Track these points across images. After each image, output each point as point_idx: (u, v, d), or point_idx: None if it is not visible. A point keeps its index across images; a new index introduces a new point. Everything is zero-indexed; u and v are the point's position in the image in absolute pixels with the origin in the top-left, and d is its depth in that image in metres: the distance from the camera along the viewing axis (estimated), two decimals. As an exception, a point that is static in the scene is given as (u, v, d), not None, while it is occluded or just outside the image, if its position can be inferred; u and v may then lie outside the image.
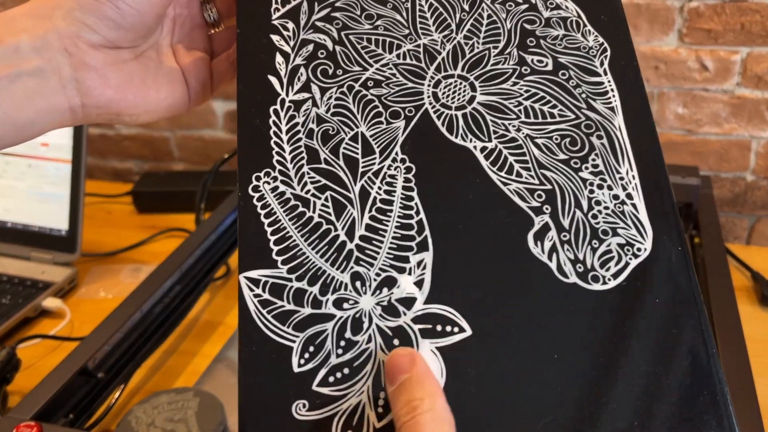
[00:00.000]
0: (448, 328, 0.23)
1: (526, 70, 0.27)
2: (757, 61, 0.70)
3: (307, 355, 0.23)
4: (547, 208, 0.25)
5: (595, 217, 0.25)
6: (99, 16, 0.26)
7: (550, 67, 0.27)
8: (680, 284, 0.23)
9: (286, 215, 0.25)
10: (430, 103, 0.27)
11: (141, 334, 0.57)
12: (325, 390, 0.23)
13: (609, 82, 0.27)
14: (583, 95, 0.27)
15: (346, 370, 0.23)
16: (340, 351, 0.23)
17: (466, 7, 0.29)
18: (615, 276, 0.24)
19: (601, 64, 0.27)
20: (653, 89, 0.74)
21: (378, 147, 0.26)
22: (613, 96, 0.27)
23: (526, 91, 0.27)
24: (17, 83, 0.25)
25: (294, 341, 0.23)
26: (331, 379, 0.23)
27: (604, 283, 0.24)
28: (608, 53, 0.27)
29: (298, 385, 0.23)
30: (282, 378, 0.23)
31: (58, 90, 0.26)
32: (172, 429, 0.49)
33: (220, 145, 0.93)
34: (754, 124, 0.73)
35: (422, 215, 0.25)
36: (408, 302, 0.24)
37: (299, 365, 0.23)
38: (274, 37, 0.29)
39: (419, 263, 0.24)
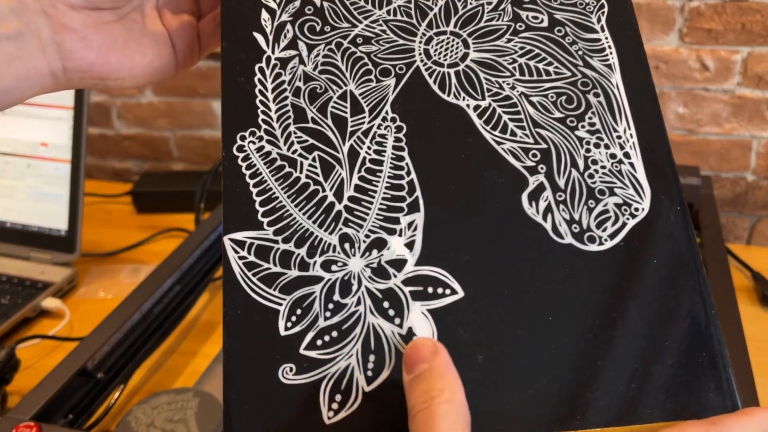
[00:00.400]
0: (440, 290, 0.23)
1: (520, 26, 0.26)
2: (757, 60, 0.70)
3: (294, 318, 0.23)
4: (542, 168, 0.24)
5: (591, 176, 0.24)
6: None
7: (545, 24, 0.26)
8: (679, 245, 0.23)
9: (272, 176, 0.25)
10: (422, 60, 0.26)
11: (140, 334, 0.57)
12: (312, 353, 0.22)
13: (606, 38, 0.26)
14: (580, 52, 0.26)
15: (334, 333, 0.23)
16: (328, 314, 0.23)
17: None
18: (612, 236, 0.23)
19: (599, 20, 0.26)
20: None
21: (367, 105, 0.26)
22: (611, 53, 0.26)
23: (521, 48, 0.26)
24: None
25: (281, 304, 0.23)
26: (319, 342, 0.22)
27: (601, 243, 0.23)
28: (605, 9, 0.27)
29: (284, 349, 0.22)
30: (268, 341, 0.22)
31: (38, 54, 0.25)
32: (171, 429, 0.49)
33: (219, 145, 0.92)
34: (755, 123, 0.73)
35: (413, 176, 0.24)
36: (398, 264, 0.23)
37: (286, 328, 0.23)
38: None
39: (410, 224, 0.24)
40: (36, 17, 0.25)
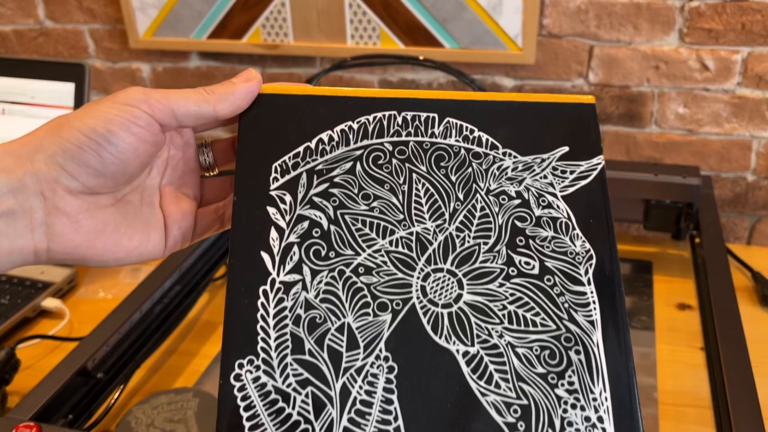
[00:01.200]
0: None
1: (513, 271, 0.27)
2: (758, 60, 0.70)
3: None
4: (521, 425, 0.25)
5: None
6: (80, 163, 0.25)
7: (536, 271, 0.27)
8: None
9: (265, 410, 0.25)
10: (418, 298, 0.27)
11: (140, 334, 0.57)
12: None
13: (592, 293, 0.27)
14: (566, 305, 0.27)
15: None
16: None
17: (461, 196, 0.29)
18: None
19: (586, 272, 0.27)
20: (654, 89, 0.74)
21: (363, 341, 0.26)
22: (594, 309, 0.26)
23: (512, 295, 0.27)
24: None
25: None
26: None
27: None
28: (593, 261, 0.27)
29: None
30: None
31: (26, 233, 0.25)
32: (171, 429, 0.49)
33: (219, 145, 0.93)
34: (755, 123, 0.73)
35: (400, 422, 0.25)
36: None
37: None
38: (271, 210, 0.28)
39: None
40: (32, 198, 0.25)
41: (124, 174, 0.27)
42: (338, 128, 0.29)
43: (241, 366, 0.26)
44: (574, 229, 0.28)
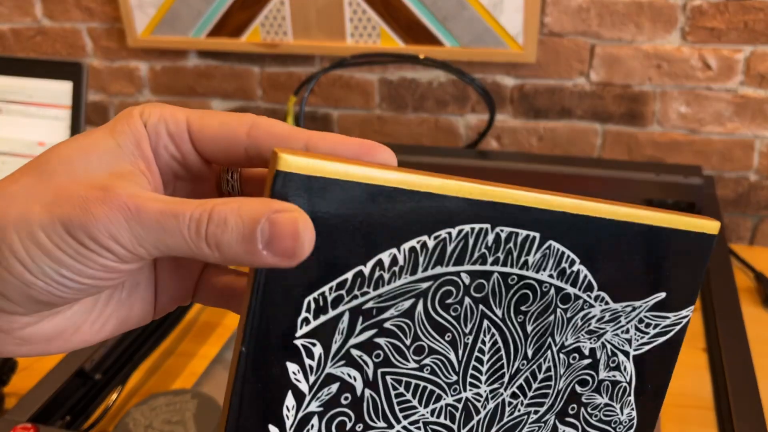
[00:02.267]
0: None
1: None
2: (760, 59, 0.70)
3: None
4: None
5: None
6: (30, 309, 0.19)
7: None
8: None
9: None
10: None
11: (138, 335, 0.57)
12: None
13: None
14: None
15: None
16: None
17: (530, 353, 0.23)
18: None
19: None
20: (656, 88, 0.74)
21: None
22: None
23: None
24: None
25: None
26: None
27: None
28: (633, 429, 0.25)
29: None
30: None
31: None
32: (170, 431, 0.48)
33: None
34: (758, 123, 0.72)
35: None
36: None
37: None
38: (292, 367, 0.20)
39: None
40: None
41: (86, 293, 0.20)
42: (407, 245, 0.20)
43: None
44: (629, 396, 0.25)
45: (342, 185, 0.18)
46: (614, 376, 0.24)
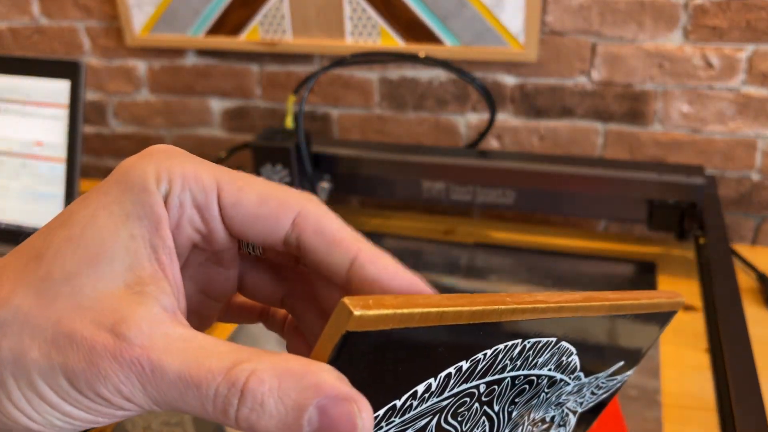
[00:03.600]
0: None
1: None
2: (763, 58, 0.69)
3: None
4: None
5: None
6: None
7: None
8: None
9: None
10: None
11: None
12: None
13: None
14: None
15: None
16: None
17: (507, 431, 0.23)
18: None
19: None
20: (657, 87, 0.74)
21: None
22: None
23: None
24: None
25: None
26: None
27: None
28: None
29: None
30: None
31: None
32: (168, 433, 0.48)
33: (215, 144, 0.92)
34: (761, 122, 0.72)
35: None
36: None
37: None
38: None
39: None
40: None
41: None
42: (444, 372, 0.18)
43: None
44: None
45: (404, 332, 0.16)
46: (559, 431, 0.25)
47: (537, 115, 0.78)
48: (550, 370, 0.22)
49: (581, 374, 0.23)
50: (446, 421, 0.20)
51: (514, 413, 0.22)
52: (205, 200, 0.17)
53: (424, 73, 0.79)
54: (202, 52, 0.86)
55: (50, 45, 0.91)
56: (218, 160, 0.75)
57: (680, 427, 0.50)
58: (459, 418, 0.20)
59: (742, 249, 0.71)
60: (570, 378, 0.23)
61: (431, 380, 0.18)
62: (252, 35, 0.81)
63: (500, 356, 0.19)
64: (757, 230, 0.78)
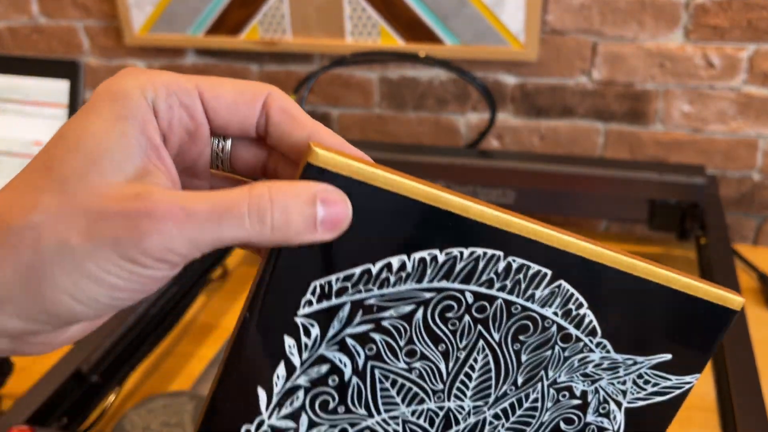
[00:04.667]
0: None
1: None
2: (764, 58, 0.69)
3: None
4: None
5: None
6: (57, 323, 0.18)
7: None
8: None
9: None
10: None
11: (136, 336, 0.56)
12: None
13: None
14: None
15: None
16: None
17: (520, 381, 0.23)
18: None
19: None
20: (658, 87, 0.73)
21: None
22: None
23: None
24: None
25: None
26: None
27: None
28: None
29: None
30: None
31: None
32: (167, 434, 0.48)
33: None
34: (762, 122, 0.72)
35: None
36: None
37: None
38: (288, 341, 0.21)
39: None
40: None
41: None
42: (418, 255, 0.21)
43: None
44: None
45: (367, 188, 0.19)
46: (602, 422, 0.24)
47: (537, 114, 0.78)
48: (556, 314, 0.22)
49: (608, 344, 0.23)
50: (434, 322, 0.22)
51: (524, 358, 0.23)
52: (190, 99, 0.19)
53: (425, 73, 0.79)
54: (202, 52, 0.86)
55: (49, 44, 0.91)
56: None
57: (681, 428, 0.50)
58: (450, 326, 0.22)
59: (743, 249, 0.70)
60: (591, 342, 0.23)
61: (404, 257, 0.20)
62: (251, 35, 0.81)
63: (481, 264, 0.21)
64: (758, 230, 0.78)
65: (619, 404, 0.24)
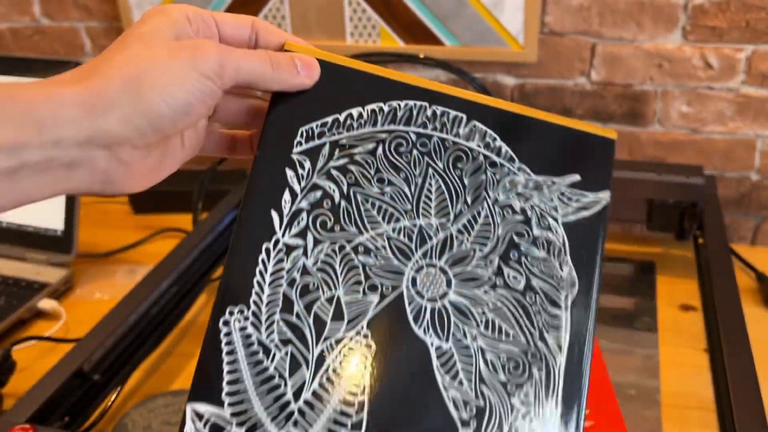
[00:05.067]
0: None
1: (500, 282, 0.29)
2: (762, 58, 0.69)
3: None
4: (473, 423, 0.26)
5: None
6: (156, 128, 0.26)
7: (521, 287, 0.28)
8: None
9: (246, 359, 0.27)
10: (407, 287, 0.28)
11: (137, 335, 0.56)
12: None
13: (566, 320, 0.28)
14: (540, 324, 0.28)
15: None
16: None
17: (469, 200, 0.30)
18: None
19: (566, 299, 0.28)
20: (657, 87, 0.74)
21: (348, 316, 0.28)
22: (565, 334, 0.28)
23: (494, 304, 0.28)
24: (47, 173, 0.24)
25: None
26: None
27: None
28: (575, 291, 0.28)
29: None
30: None
31: (85, 179, 0.25)
32: (168, 432, 0.48)
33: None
34: (760, 122, 0.72)
35: (365, 397, 0.27)
36: None
37: None
38: (289, 172, 0.29)
39: None
40: (98, 151, 0.25)
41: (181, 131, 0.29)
42: (369, 107, 0.30)
43: (231, 313, 0.27)
44: (565, 255, 0.29)
45: (327, 64, 0.30)
46: (547, 235, 0.29)
47: (537, 115, 0.78)
48: (479, 146, 0.30)
49: (526, 168, 0.30)
50: (392, 154, 0.30)
51: (466, 181, 0.30)
52: (208, 18, 0.28)
53: (424, 74, 0.80)
54: (203, 53, 0.86)
55: (51, 45, 0.91)
56: (219, 161, 0.75)
57: (679, 427, 0.51)
58: (404, 158, 0.30)
59: (742, 249, 0.71)
60: (513, 167, 0.30)
61: (360, 109, 0.30)
62: (252, 36, 0.81)
63: (414, 111, 0.30)
64: (757, 230, 0.78)
65: (555, 219, 0.30)
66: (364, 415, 0.26)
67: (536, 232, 0.29)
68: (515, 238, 0.29)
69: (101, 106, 0.24)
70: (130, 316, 0.55)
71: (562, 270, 0.29)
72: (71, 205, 0.70)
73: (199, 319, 0.64)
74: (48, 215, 0.71)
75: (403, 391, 0.27)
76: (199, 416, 0.26)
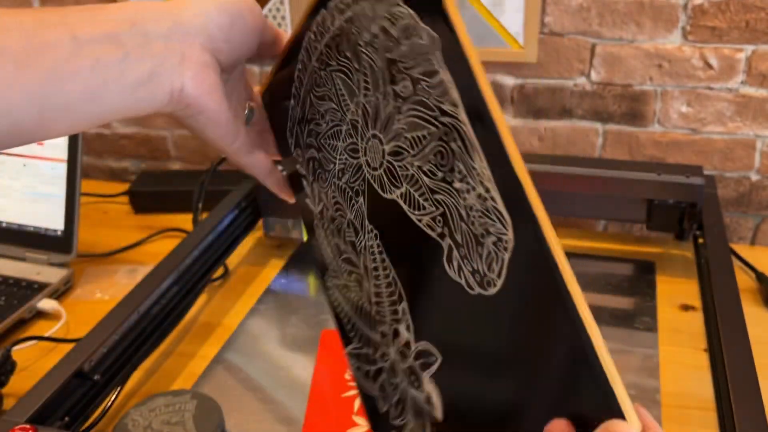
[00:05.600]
0: (431, 359, 0.29)
1: (399, 102, 0.29)
2: (762, 59, 0.70)
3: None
4: (446, 230, 0.27)
5: (473, 223, 0.26)
6: (228, 25, 0.31)
7: (411, 89, 0.28)
8: (542, 272, 0.23)
9: (347, 304, 0.34)
10: (367, 171, 0.31)
11: (138, 335, 0.56)
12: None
13: (448, 78, 0.27)
14: (434, 101, 0.27)
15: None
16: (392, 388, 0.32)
17: (356, 65, 0.31)
18: (499, 275, 0.25)
19: (438, 59, 0.27)
20: (657, 87, 0.74)
21: (359, 225, 0.32)
22: (452, 89, 0.27)
23: (405, 124, 0.29)
24: (130, 75, 0.28)
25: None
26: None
27: (494, 285, 0.25)
28: (440, 45, 0.27)
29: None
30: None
31: (163, 97, 0.29)
32: (169, 432, 0.48)
33: (218, 144, 0.92)
34: (759, 122, 0.72)
35: (392, 271, 0.30)
36: (407, 345, 0.30)
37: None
38: (298, 166, 0.36)
39: (403, 311, 0.30)
40: (174, 57, 0.29)
41: (240, 52, 0.33)
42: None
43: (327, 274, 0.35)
44: (418, 23, 0.28)
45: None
46: (399, 23, 0.29)
47: (536, 115, 0.78)
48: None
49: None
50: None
51: (350, 54, 0.31)
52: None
53: (424, 74, 0.80)
54: (203, 53, 0.86)
55: (51, 45, 0.91)
56: (220, 161, 0.75)
57: (679, 427, 0.51)
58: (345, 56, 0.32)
59: (741, 249, 0.71)
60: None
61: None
62: (252, 36, 0.82)
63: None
64: (756, 230, 0.78)
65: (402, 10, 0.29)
66: (399, 286, 0.30)
67: (395, 32, 0.28)
68: (388, 55, 0.29)
69: (178, 8, 0.30)
70: (130, 316, 0.55)
71: (422, 39, 0.27)
72: (71, 205, 0.70)
73: (199, 319, 0.64)
74: (48, 215, 0.71)
75: (405, 249, 0.30)
76: (351, 355, 0.33)
